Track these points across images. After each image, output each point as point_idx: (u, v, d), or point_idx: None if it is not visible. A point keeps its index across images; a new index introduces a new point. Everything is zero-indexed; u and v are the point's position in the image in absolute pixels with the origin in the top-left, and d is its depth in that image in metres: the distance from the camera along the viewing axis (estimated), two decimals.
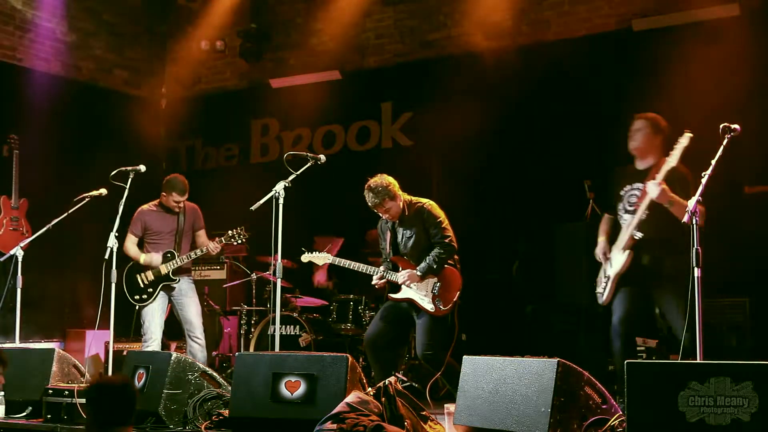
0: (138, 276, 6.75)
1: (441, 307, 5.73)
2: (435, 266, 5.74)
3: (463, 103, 8.30)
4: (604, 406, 4.15)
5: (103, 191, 6.61)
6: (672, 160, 4.90)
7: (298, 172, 5.71)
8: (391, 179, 5.88)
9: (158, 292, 6.69)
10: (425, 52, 9.00)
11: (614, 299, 5.20)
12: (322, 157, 5.82)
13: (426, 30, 9.01)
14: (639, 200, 5.11)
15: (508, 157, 8.27)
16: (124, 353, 6.51)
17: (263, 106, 9.80)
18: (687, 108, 6.72)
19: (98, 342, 7.31)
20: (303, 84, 9.50)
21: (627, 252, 5.10)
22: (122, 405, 3.37)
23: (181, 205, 6.82)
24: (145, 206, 6.92)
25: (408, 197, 5.96)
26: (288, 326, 7.61)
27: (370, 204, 5.85)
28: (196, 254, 6.76)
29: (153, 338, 6.67)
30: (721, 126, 4.46)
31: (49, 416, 5.48)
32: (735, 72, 7.14)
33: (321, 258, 6.19)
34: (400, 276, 5.84)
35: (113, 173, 6.32)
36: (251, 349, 7.64)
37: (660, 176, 4.94)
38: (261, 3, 9.62)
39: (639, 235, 5.08)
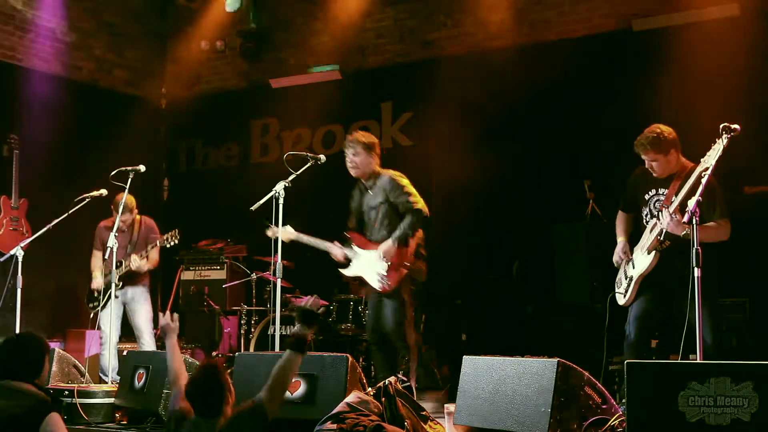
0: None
1: (387, 284, 5.70)
2: (411, 233, 5.70)
3: (464, 103, 8.31)
4: (604, 406, 4.15)
5: (104, 192, 6.68)
6: (709, 159, 4.60)
7: (298, 172, 5.72)
8: (375, 140, 5.96)
9: (107, 299, 6.97)
10: (425, 52, 8.99)
11: (635, 299, 5.12)
12: (322, 157, 5.84)
13: (426, 30, 9.00)
14: (664, 205, 5.00)
15: (508, 157, 8.27)
16: (124, 353, 6.52)
17: (263, 106, 9.80)
18: (687, 108, 6.72)
19: (98, 342, 7.32)
20: (303, 84, 9.50)
21: (653, 253, 4.98)
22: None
23: (127, 224, 7.18)
24: (102, 222, 7.35)
25: (378, 168, 5.95)
26: (288, 326, 7.61)
27: (345, 146, 5.92)
28: (126, 267, 7.08)
29: (107, 341, 6.97)
30: (721, 126, 4.45)
31: None
32: (735, 72, 7.13)
33: (284, 233, 5.99)
34: (380, 251, 5.73)
35: (113, 173, 6.34)
36: (251, 349, 7.64)
37: (674, 204, 4.79)
38: (261, 3, 9.61)
39: (664, 239, 4.94)
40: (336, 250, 5.92)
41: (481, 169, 8.29)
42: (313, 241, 5.93)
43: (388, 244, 5.73)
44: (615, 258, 5.33)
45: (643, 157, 5.10)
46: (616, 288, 5.28)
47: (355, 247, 5.91)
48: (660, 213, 4.94)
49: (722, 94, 6.92)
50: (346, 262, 5.96)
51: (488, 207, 8.17)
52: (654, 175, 5.12)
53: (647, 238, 5.07)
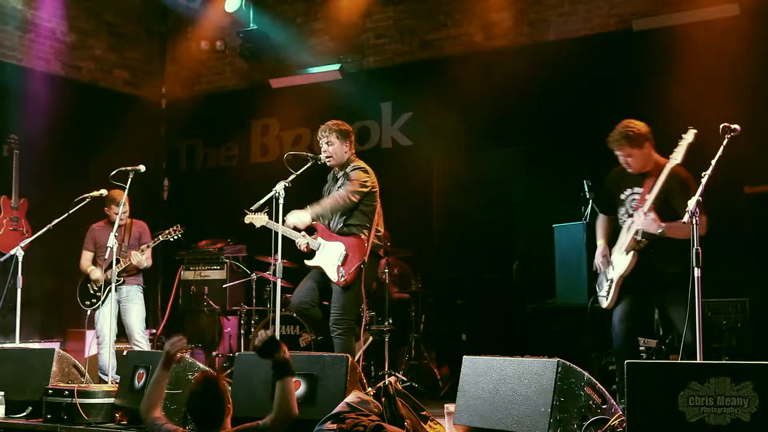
0: (89, 285, 7.30)
1: (342, 277, 5.70)
2: (329, 213, 5.71)
3: (464, 103, 8.31)
4: (604, 406, 4.15)
5: (104, 192, 6.71)
6: (677, 156, 4.75)
7: (298, 172, 5.72)
8: (350, 128, 5.93)
9: (105, 296, 7.01)
10: (425, 52, 9.00)
11: (618, 301, 5.11)
12: (322, 157, 5.83)
13: (426, 30, 9.01)
14: (639, 204, 5.01)
15: (507, 157, 8.27)
16: (124, 353, 6.52)
17: (263, 106, 9.80)
18: (687, 108, 6.72)
19: (96, 341, 7.32)
20: (303, 84, 9.51)
21: (631, 254, 4.99)
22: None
23: (123, 217, 7.09)
24: (95, 224, 7.37)
25: (353, 157, 5.93)
26: (288, 326, 7.61)
27: (318, 137, 5.88)
28: (127, 265, 7.13)
29: (105, 339, 7.05)
30: (721, 126, 4.45)
31: (49, 416, 5.48)
32: (735, 72, 7.14)
33: (258, 220, 5.95)
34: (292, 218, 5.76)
35: (113, 173, 6.33)
36: (251, 349, 7.63)
37: (648, 203, 4.81)
38: (261, 3, 9.61)
39: (641, 238, 4.95)
40: (301, 239, 5.90)
41: (480, 169, 8.31)
42: (282, 229, 5.76)
43: (303, 213, 5.72)
44: (597, 259, 5.31)
45: (618, 153, 5.10)
46: (598, 291, 5.26)
47: (319, 238, 5.88)
48: (635, 212, 4.93)
49: (722, 94, 6.92)
50: (310, 253, 5.95)
51: (488, 207, 8.18)
52: (629, 171, 5.11)
53: (624, 239, 5.06)
